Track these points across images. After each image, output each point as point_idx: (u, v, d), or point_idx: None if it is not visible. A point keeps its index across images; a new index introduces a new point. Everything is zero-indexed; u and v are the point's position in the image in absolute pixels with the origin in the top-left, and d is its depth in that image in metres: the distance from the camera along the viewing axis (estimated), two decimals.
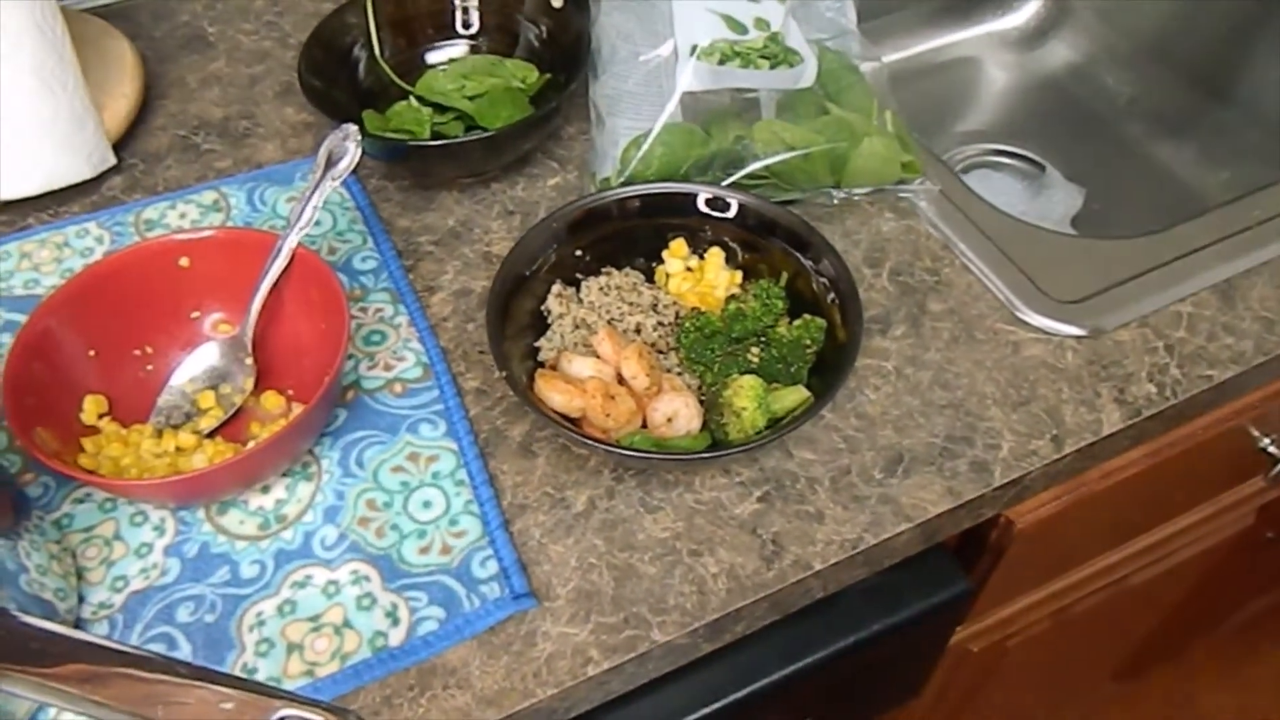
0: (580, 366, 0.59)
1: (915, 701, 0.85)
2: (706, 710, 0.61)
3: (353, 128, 0.63)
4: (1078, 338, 0.67)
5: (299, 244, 0.59)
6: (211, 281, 0.61)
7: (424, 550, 0.55)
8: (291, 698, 0.39)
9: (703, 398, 0.59)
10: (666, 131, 0.68)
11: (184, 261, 0.60)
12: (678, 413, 0.58)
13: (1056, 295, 0.68)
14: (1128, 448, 0.66)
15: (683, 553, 0.56)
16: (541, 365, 0.62)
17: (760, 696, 0.62)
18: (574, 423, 0.58)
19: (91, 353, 0.59)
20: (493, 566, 0.55)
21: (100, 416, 0.58)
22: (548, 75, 0.77)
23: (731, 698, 0.61)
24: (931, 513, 0.58)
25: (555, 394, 0.57)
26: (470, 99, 0.76)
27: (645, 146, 0.69)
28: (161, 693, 0.40)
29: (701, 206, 0.66)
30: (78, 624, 0.53)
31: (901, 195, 0.74)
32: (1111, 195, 1.01)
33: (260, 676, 0.51)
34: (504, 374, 0.56)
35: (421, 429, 0.60)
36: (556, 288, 0.64)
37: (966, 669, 0.88)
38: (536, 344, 0.63)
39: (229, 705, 0.39)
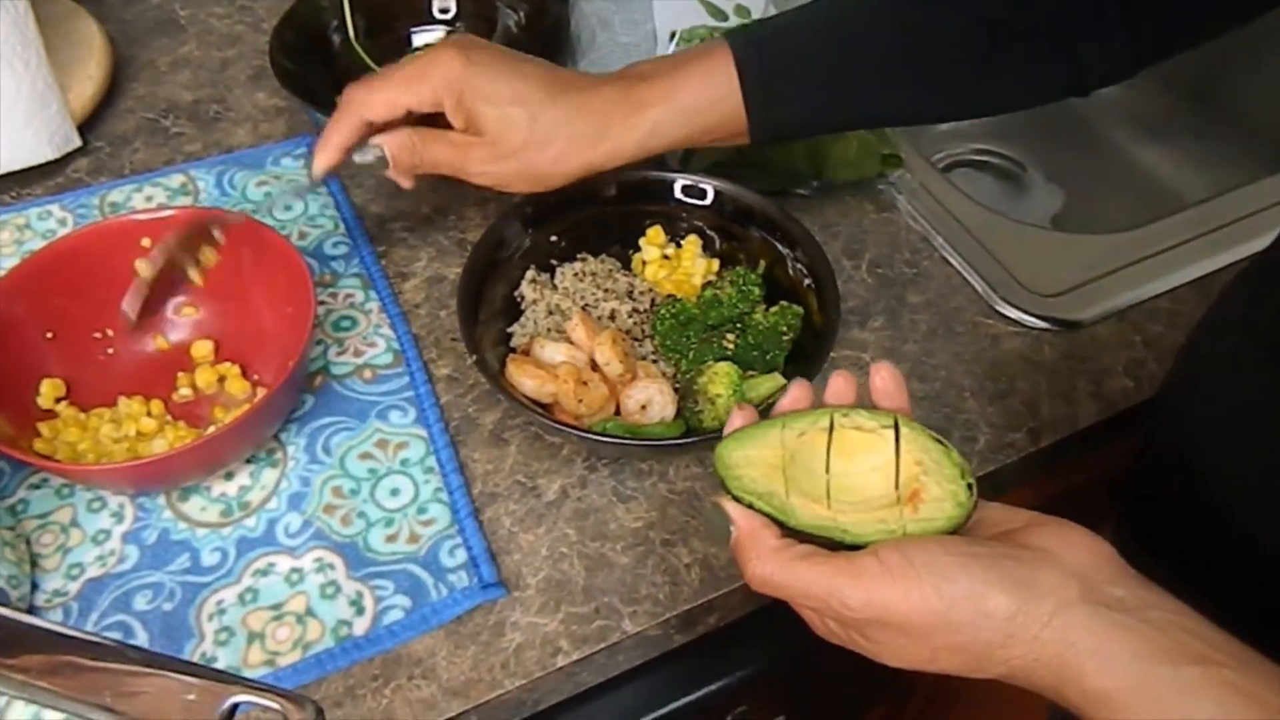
0: (553, 352, 0.58)
1: (907, 699, 0.84)
2: (680, 703, 0.60)
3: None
4: (1055, 331, 0.66)
5: (265, 226, 0.58)
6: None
7: (391, 538, 0.54)
8: (247, 684, 0.37)
9: (677, 385, 0.58)
10: None
11: (146, 242, 0.58)
12: (652, 400, 0.57)
13: (1035, 289, 0.68)
14: (1106, 441, 0.66)
15: (655, 542, 0.55)
16: (514, 351, 0.61)
17: (736, 690, 0.60)
18: (546, 409, 0.57)
19: (49, 335, 0.57)
20: (461, 555, 0.54)
21: (58, 401, 0.57)
22: None
23: (706, 689, 0.60)
24: None
25: (527, 379, 0.56)
26: None
27: None
28: (112, 679, 0.38)
29: (678, 194, 0.65)
30: (31, 612, 0.51)
31: (882, 188, 0.74)
32: (1092, 197, 1.01)
33: (220, 665, 0.50)
34: (474, 358, 0.55)
35: (391, 416, 0.59)
36: (531, 273, 0.63)
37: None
38: (509, 330, 0.62)
39: (183, 691, 0.38)
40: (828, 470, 0.40)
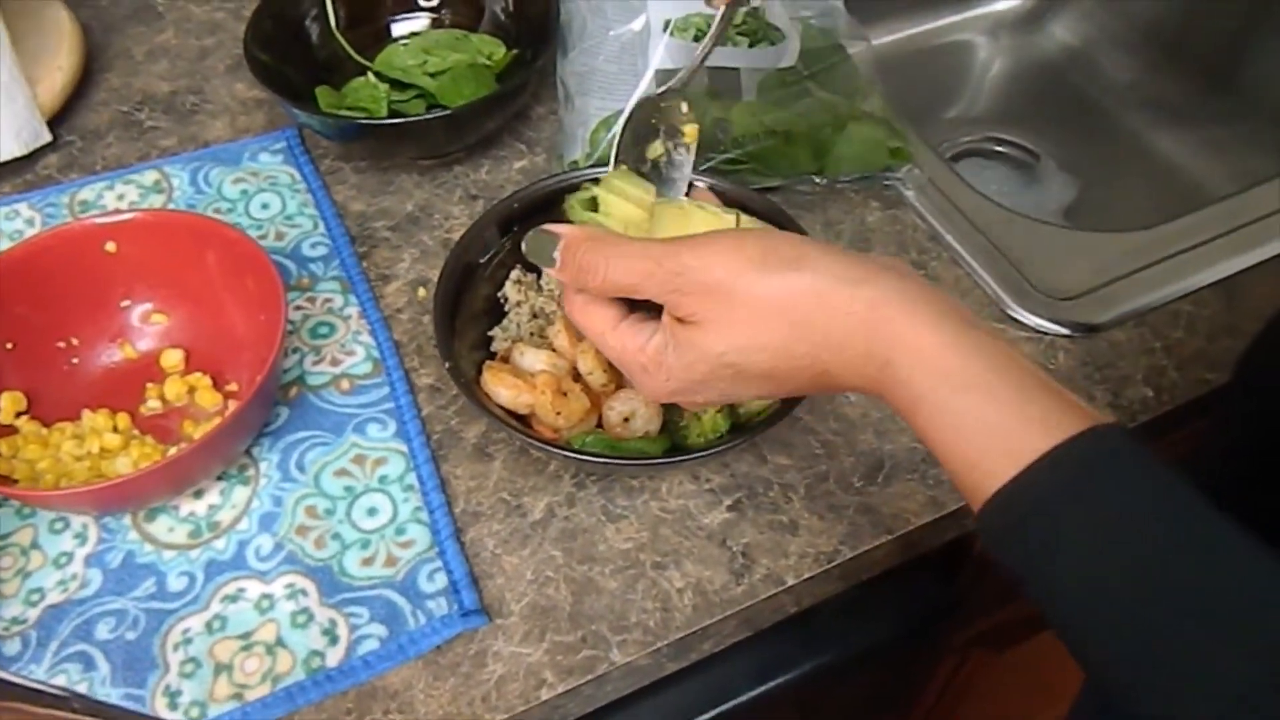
0: (532, 360, 0.55)
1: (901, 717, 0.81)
2: None
3: None
4: (1070, 337, 0.63)
5: (232, 228, 0.55)
6: (141, 267, 0.56)
7: (367, 561, 0.51)
8: None
9: None
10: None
11: (110, 246, 0.55)
12: (635, 412, 0.53)
13: (1049, 291, 0.65)
14: None
15: (646, 565, 0.52)
16: (494, 357, 0.58)
17: (729, 718, 0.58)
18: (523, 421, 0.54)
19: (9, 345, 0.54)
20: (441, 580, 0.51)
21: (18, 415, 0.54)
22: (514, 51, 0.73)
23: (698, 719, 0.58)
24: (913, 524, 0.54)
25: (502, 388, 0.53)
26: (432, 75, 0.72)
27: (616, 127, 0.64)
28: None
29: None
30: None
31: (888, 183, 0.70)
32: (1107, 187, 0.97)
33: (184, 699, 0.47)
34: (448, 365, 0.52)
35: (369, 429, 0.56)
36: (515, 274, 0.60)
37: (956, 680, 0.85)
38: (490, 333, 0.59)
39: None
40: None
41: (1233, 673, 0.30)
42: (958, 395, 0.36)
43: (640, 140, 0.53)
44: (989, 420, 0.35)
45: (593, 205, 0.50)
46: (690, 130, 0.53)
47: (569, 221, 0.47)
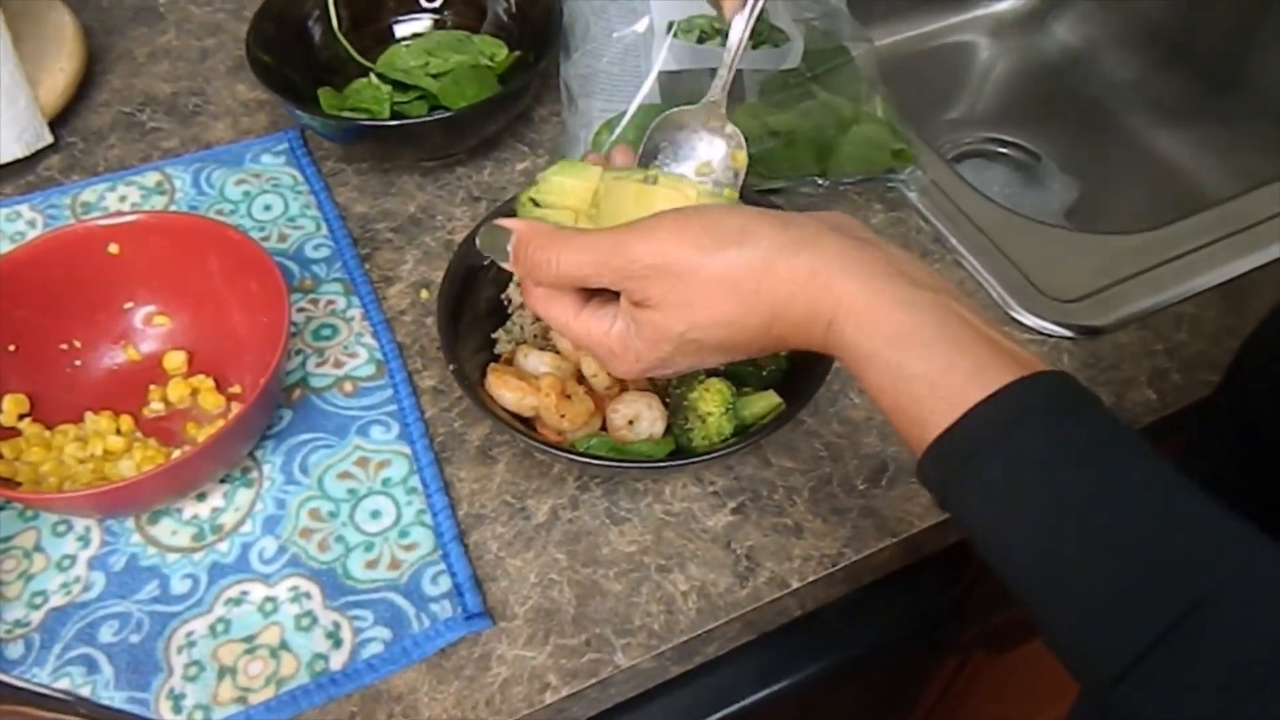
0: (536, 362, 0.55)
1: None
2: None
3: None
4: (1074, 339, 0.63)
5: (235, 229, 0.55)
6: (144, 270, 0.56)
7: (371, 564, 0.51)
8: None
9: (667, 400, 0.55)
10: (642, 114, 0.64)
11: (113, 248, 0.55)
12: (640, 415, 0.53)
13: (1052, 293, 0.65)
14: None
15: (650, 568, 0.52)
16: (498, 359, 0.57)
17: None
18: (528, 423, 0.54)
19: (11, 348, 0.54)
20: (445, 583, 0.51)
21: (21, 417, 0.54)
22: (517, 53, 0.73)
23: None
24: (917, 526, 0.54)
25: (506, 391, 0.53)
26: (434, 77, 0.71)
27: (619, 130, 0.64)
28: None
29: None
30: None
31: (891, 185, 0.70)
32: (1108, 187, 0.97)
33: (188, 703, 0.47)
34: (453, 368, 0.52)
35: (372, 431, 0.56)
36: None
37: (956, 682, 0.85)
38: (494, 335, 0.58)
39: None
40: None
41: (1143, 615, 0.31)
42: (896, 351, 0.37)
43: (678, 155, 0.51)
44: (925, 373, 0.36)
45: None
46: (739, 157, 0.50)
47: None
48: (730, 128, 0.49)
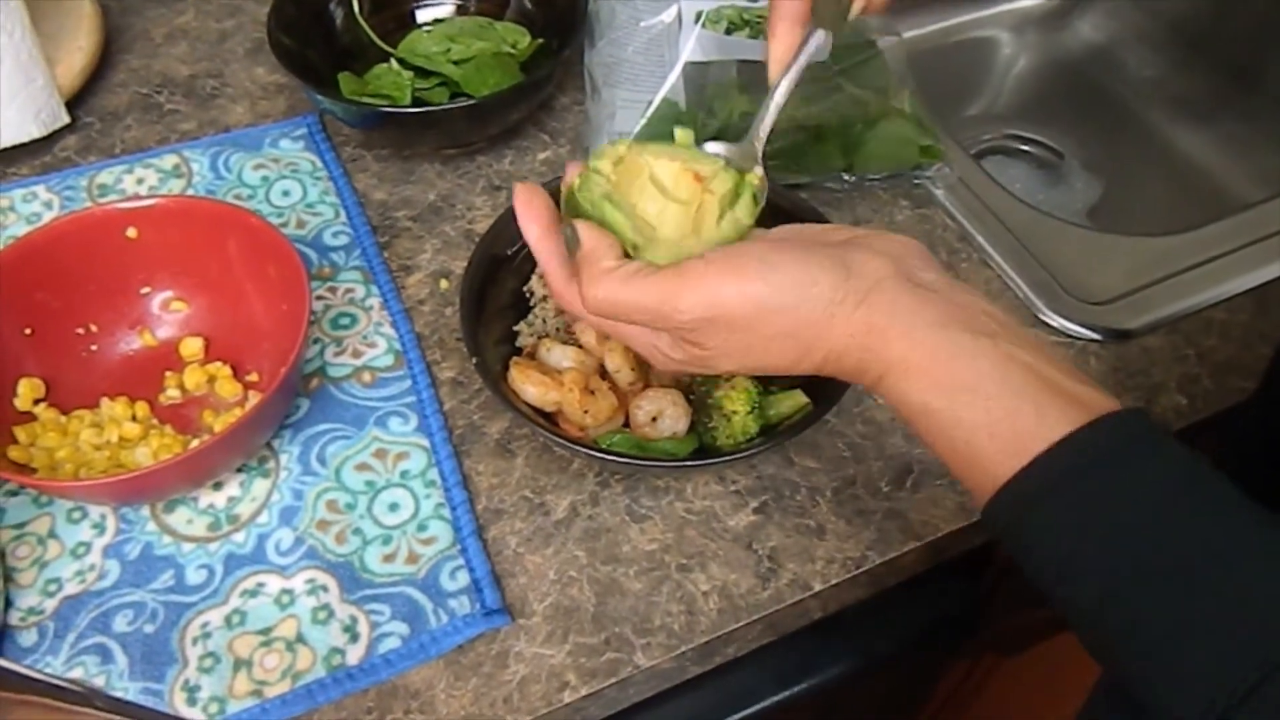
0: (559, 356, 0.54)
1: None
2: None
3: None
4: (1102, 342, 0.62)
5: (255, 215, 0.54)
6: (162, 254, 0.56)
7: (388, 558, 0.51)
8: None
9: (691, 396, 0.54)
10: (666, 106, 0.63)
11: (131, 232, 0.55)
12: (663, 412, 0.53)
13: (1081, 295, 0.64)
14: None
15: (671, 567, 0.52)
16: (519, 352, 0.57)
17: None
18: (550, 418, 0.53)
19: (28, 331, 0.53)
20: (463, 578, 0.50)
21: (36, 402, 0.53)
22: (540, 40, 0.72)
23: None
24: (942, 530, 0.53)
25: (529, 385, 0.52)
26: (456, 63, 0.70)
27: (642, 122, 0.63)
28: None
29: None
30: (3, 632, 0.48)
31: (918, 181, 0.69)
32: (1131, 186, 0.95)
33: (203, 695, 0.46)
34: (475, 360, 0.51)
35: (391, 423, 0.55)
36: None
37: (966, 684, 0.84)
38: (516, 328, 0.58)
39: None
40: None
41: (1227, 659, 0.30)
42: (951, 403, 0.37)
43: None
44: (985, 424, 0.36)
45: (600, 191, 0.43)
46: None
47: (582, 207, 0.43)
48: (759, 170, 0.45)
